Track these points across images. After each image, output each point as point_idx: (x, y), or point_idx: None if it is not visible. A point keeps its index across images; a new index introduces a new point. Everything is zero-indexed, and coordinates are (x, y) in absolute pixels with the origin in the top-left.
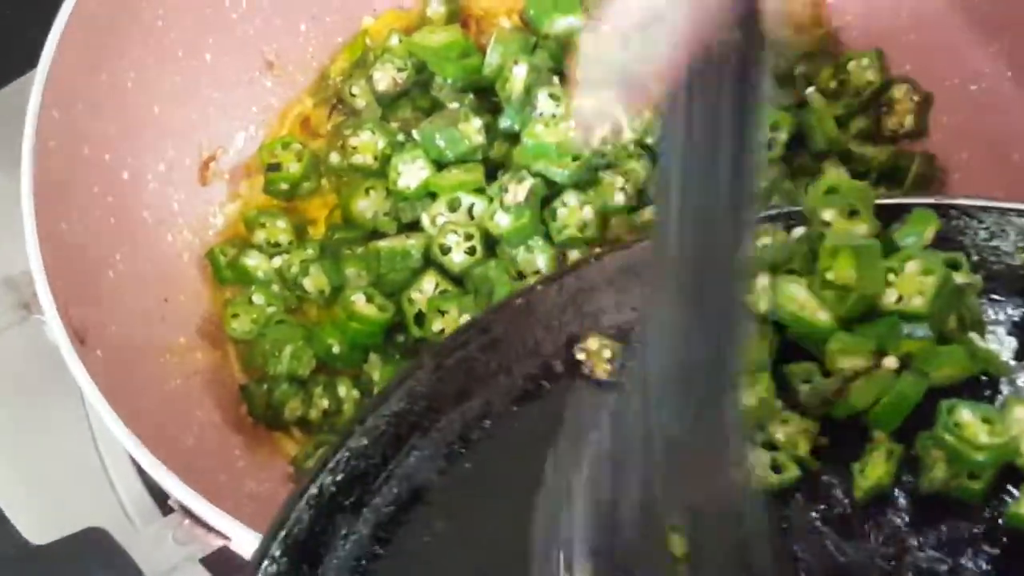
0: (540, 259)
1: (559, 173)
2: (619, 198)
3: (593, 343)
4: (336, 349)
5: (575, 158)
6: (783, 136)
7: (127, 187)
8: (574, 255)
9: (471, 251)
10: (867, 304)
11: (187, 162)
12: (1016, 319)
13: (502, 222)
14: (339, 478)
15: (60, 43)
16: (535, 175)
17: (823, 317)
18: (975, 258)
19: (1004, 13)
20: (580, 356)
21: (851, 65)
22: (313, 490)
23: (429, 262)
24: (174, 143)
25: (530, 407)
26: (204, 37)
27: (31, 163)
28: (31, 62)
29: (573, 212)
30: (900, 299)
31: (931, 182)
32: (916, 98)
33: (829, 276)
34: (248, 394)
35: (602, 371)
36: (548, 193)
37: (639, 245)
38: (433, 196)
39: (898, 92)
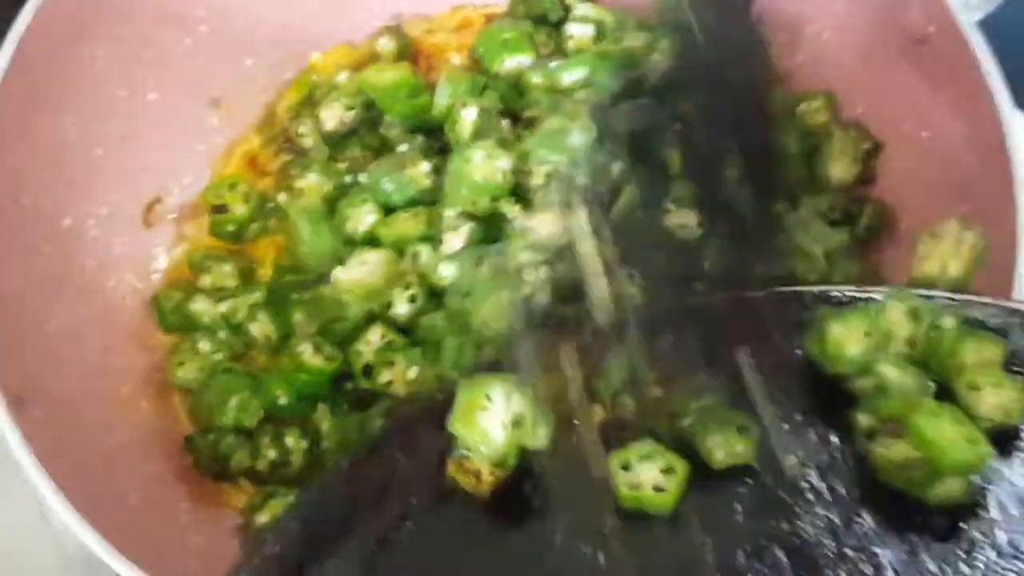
0: (487, 305)
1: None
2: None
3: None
4: (283, 400)
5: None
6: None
7: (68, 235)
8: None
9: (413, 299)
10: None
11: (131, 205)
12: None
13: (446, 273)
14: None
15: None
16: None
17: None
18: None
19: (952, 62)
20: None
21: (802, 107)
22: None
23: (373, 314)
24: (117, 186)
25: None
26: (147, 76)
27: None
28: None
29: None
30: None
31: (882, 231)
32: (866, 144)
33: None
34: (194, 446)
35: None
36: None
37: None
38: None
39: (849, 136)
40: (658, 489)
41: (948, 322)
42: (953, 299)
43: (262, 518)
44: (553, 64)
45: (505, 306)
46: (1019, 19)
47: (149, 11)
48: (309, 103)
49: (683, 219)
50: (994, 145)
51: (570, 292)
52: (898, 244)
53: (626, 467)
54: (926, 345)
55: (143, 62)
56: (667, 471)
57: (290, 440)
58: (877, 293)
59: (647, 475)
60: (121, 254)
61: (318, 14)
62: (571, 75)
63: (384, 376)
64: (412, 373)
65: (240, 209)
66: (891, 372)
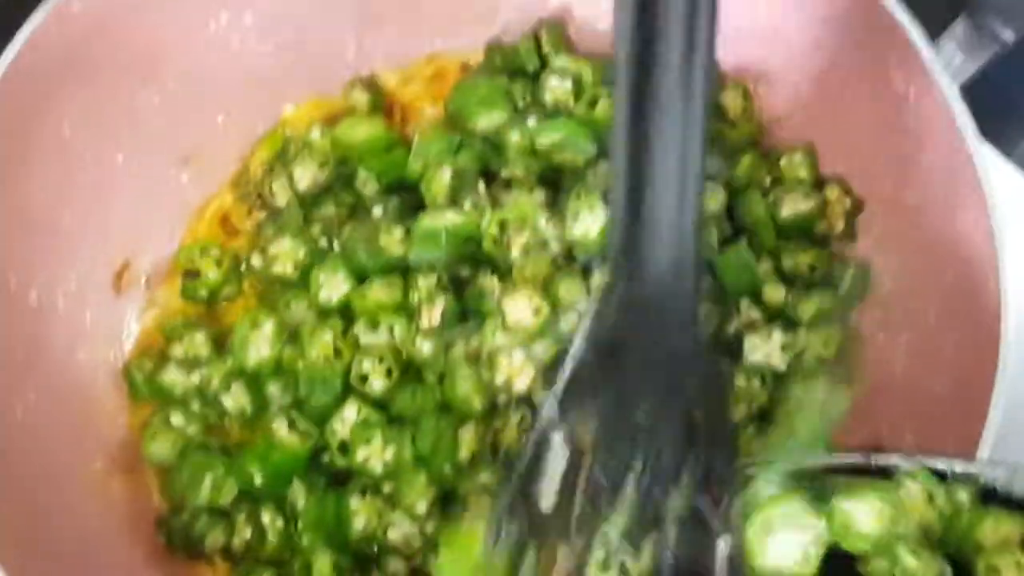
0: (464, 386)
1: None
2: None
3: None
4: (258, 479)
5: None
6: (715, 234)
7: (35, 311)
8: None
9: (388, 373)
10: None
11: (100, 272)
12: None
13: (424, 348)
14: None
15: None
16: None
17: None
18: None
19: (932, 126)
20: None
21: (783, 161)
22: None
23: (349, 385)
24: (86, 254)
25: None
26: (115, 137)
27: None
28: None
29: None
30: None
31: (864, 295)
32: (848, 202)
33: None
34: (167, 526)
35: None
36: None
37: None
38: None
39: (831, 193)
40: None
41: (963, 496)
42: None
43: None
44: (531, 123)
45: (480, 389)
46: (1001, 83)
47: (116, 71)
48: (282, 159)
49: None
50: (976, 213)
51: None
52: (879, 305)
53: None
54: (942, 523)
55: (110, 124)
56: None
57: (266, 517)
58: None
59: None
60: (92, 324)
61: (290, 66)
62: (549, 136)
63: (361, 453)
64: (389, 453)
65: (212, 274)
66: (909, 559)
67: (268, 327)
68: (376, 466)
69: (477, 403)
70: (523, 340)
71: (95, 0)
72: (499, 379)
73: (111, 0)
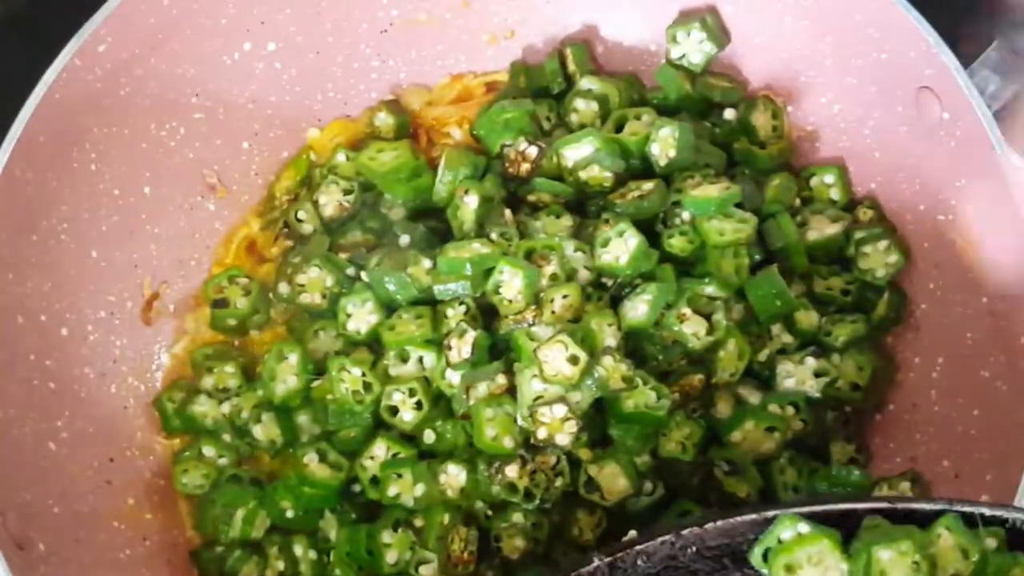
0: (489, 430)
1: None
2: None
3: None
4: (290, 512)
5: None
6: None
7: (66, 344)
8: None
9: (419, 406)
10: None
11: (129, 304)
12: None
13: (454, 380)
14: None
15: None
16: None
17: None
18: None
19: (967, 151)
20: None
21: (814, 181)
22: None
23: (379, 419)
24: (115, 286)
25: None
26: (141, 171)
27: None
28: None
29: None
30: None
31: (899, 320)
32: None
33: None
34: (200, 560)
35: None
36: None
37: None
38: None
39: (863, 215)
40: None
41: (991, 543)
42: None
43: None
44: (556, 143)
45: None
46: None
47: (143, 105)
48: (307, 185)
49: None
50: (1011, 237)
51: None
52: (912, 329)
53: None
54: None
55: (137, 158)
56: None
57: (298, 549)
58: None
59: None
60: (121, 356)
61: (314, 89)
62: (576, 152)
63: (392, 489)
64: (419, 490)
65: (241, 303)
66: None
67: (293, 359)
68: (407, 500)
69: (507, 444)
70: (563, 390)
71: (120, 39)
72: (541, 434)
73: (136, 38)
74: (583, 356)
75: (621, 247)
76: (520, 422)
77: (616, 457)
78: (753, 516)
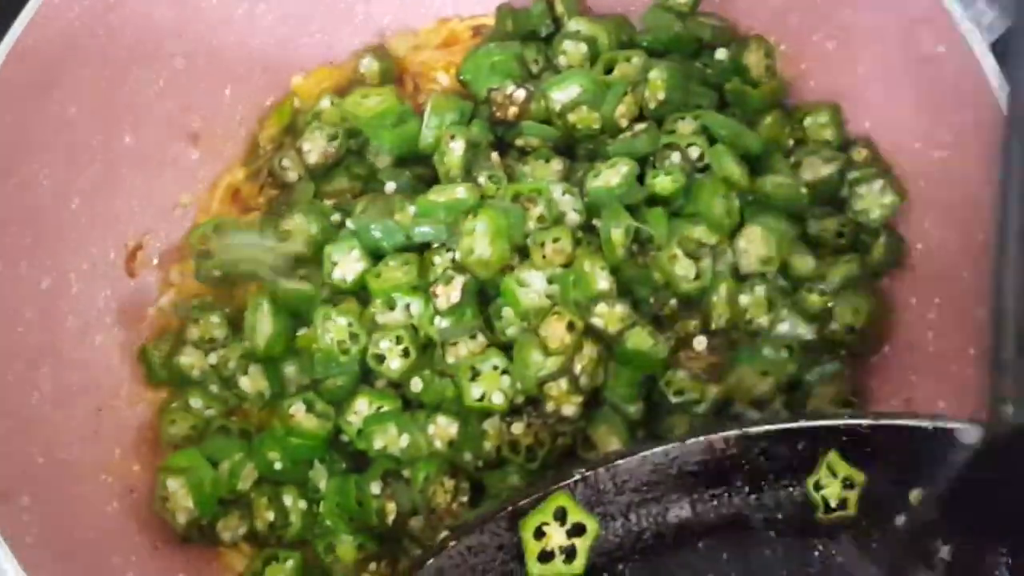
0: (485, 365)
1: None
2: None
3: None
4: (278, 464)
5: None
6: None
7: (48, 296)
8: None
9: (405, 354)
10: None
11: (112, 255)
12: None
13: (442, 325)
14: None
15: None
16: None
17: None
18: None
19: (962, 84)
20: None
21: (808, 121)
22: None
23: (366, 367)
24: (97, 237)
25: None
26: (122, 118)
27: None
28: None
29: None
30: None
31: (896, 263)
32: (876, 166)
33: None
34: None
35: None
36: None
37: None
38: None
39: (858, 156)
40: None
41: None
42: None
43: None
44: (543, 85)
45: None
46: None
47: (121, 50)
48: (292, 132)
49: None
50: None
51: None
52: (908, 269)
53: None
54: None
55: (117, 105)
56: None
57: (288, 500)
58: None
59: None
60: (105, 308)
61: (298, 34)
62: (564, 93)
63: (378, 441)
64: (404, 441)
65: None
66: None
67: (267, 307)
68: (395, 452)
69: (496, 400)
70: (564, 361)
71: None
72: (549, 407)
73: None
74: (579, 323)
75: (612, 174)
76: (520, 388)
77: (608, 418)
78: (736, 432)
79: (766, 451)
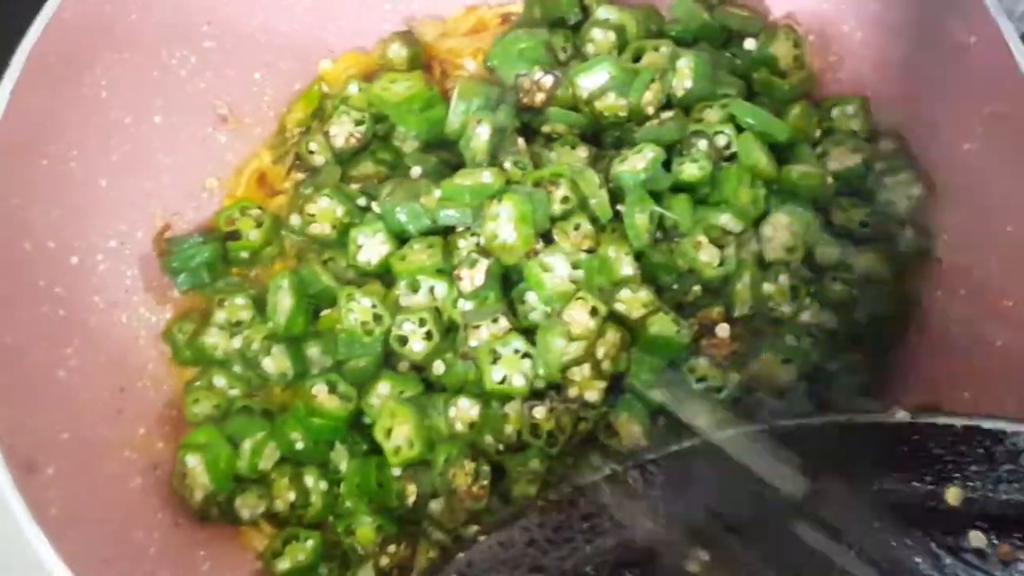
0: (507, 349)
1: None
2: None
3: None
4: (300, 444)
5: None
6: (762, 193)
7: (76, 273)
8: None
9: (428, 336)
10: None
11: (139, 235)
12: None
13: (465, 308)
14: None
15: None
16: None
17: None
18: None
19: (995, 75)
20: None
21: (835, 112)
22: None
23: (389, 351)
24: (125, 216)
25: None
26: (152, 100)
27: None
28: None
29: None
30: None
31: (922, 255)
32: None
33: None
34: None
35: None
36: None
37: None
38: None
39: (885, 147)
40: None
41: None
42: None
43: (282, 565)
44: (571, 72)
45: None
46: None
47: (153, 32)
48: (319, 116)
49: None
50: None
51: None
52: (935, 261)
53: None
54: None
55: (148, 85)
56: None
57: (309, 480)
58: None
59: None
60: (132, 287)
61: (327, 20)
62: (590, 82)
63: (397, 434)
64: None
65: (253, 235)
66: None
67: (286, 285)
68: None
69: (517, 383)
70: (587, 346)
71: None
72: (572, 392)
73: None
74: (602, 307)
75: (639, 159)
76: (542, 373)
77: (631, 405)
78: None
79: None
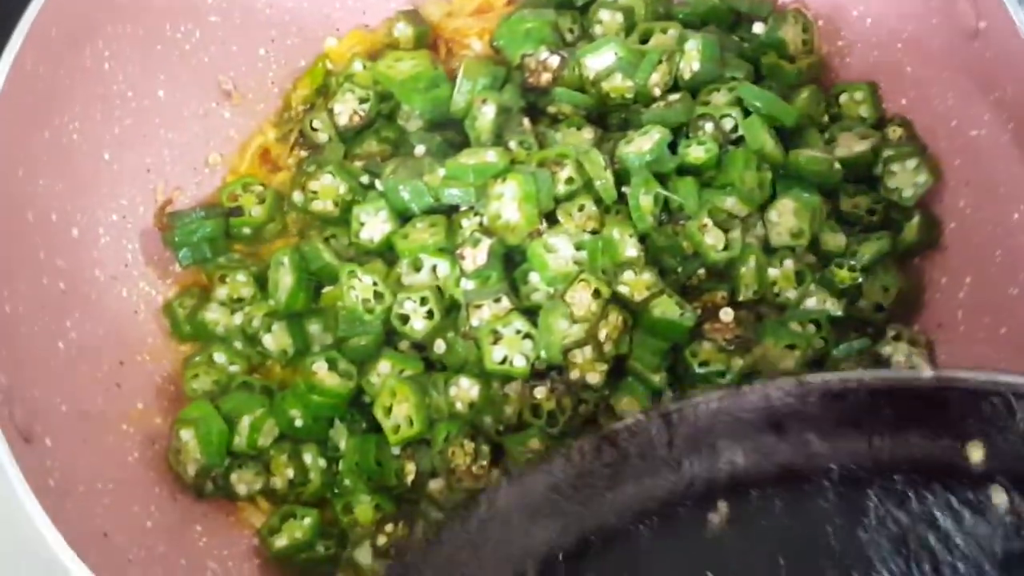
0: (508, 329)
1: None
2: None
3: None
4: (299, 422)
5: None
6: (769, 177)
7: (77, 246)
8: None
9: (430, 315)
10: None
11: (141, 209)
12: None
13: (467, 287)
14: None
15: None
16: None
17: None
18: None
19: (1005, 61)
20: None
21: (843, 98)
22: None
23: (390, 330)
24: (127, 190)
25: None
26: (155, 73)
27: None
28: None
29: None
30: None
31: (930, 243)
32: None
33: None
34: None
35: None
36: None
37: None
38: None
39: (893, 134)
40: None
41: None
42: None
43: (280, 542)
44: (577, 52)
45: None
46: None
47: (157, 4)
48: (323, 94)
49: None
50: None
51: None
52: (941, 249)
53: None
54: None
55: (151, 59)
56: None
57: (308, 458)
58: None
59: None
60: (133, 261)
61: None
62: (597, 63)
63: (397, 412)
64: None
65: (256, 211)
66: None
67: (287, 261)
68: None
69: (518, 364)
70: (590, 328)
71: None
72: (573, 375)
73: None
74: (606, 289)
75: (644, 140)
76: (544, 355)
77: (632, 387)
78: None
79: (824, 404)
